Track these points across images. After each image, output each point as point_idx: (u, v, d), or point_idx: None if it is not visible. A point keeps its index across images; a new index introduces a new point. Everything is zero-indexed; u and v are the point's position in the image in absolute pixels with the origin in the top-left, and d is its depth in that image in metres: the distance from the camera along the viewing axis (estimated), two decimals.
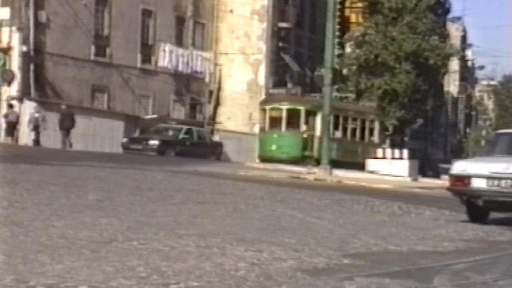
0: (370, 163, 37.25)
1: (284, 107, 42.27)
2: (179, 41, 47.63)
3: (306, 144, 41.51)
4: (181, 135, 39.00)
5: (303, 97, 44.21)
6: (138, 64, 45.27)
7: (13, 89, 38.94)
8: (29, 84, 39.16)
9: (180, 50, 47.31)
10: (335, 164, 38.98)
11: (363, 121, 46.04)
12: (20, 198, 11.60)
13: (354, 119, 45.34)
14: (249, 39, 49.63)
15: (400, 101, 50.74)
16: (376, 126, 46.96)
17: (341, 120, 43.33)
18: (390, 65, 49.87)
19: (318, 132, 40.75)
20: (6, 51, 39.22)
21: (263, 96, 47.86)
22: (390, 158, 36.88)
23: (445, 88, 72.34)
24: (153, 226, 9.70)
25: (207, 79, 49.27)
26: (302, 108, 42.07)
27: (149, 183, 16.39)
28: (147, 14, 45.74)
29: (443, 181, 38.13)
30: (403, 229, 11.89)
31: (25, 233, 8.36)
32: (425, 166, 56.35)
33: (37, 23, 39.53)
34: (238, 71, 49.18)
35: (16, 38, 39.04)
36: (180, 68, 47.22)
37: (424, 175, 41.97)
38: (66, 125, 36.29)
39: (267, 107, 43.05)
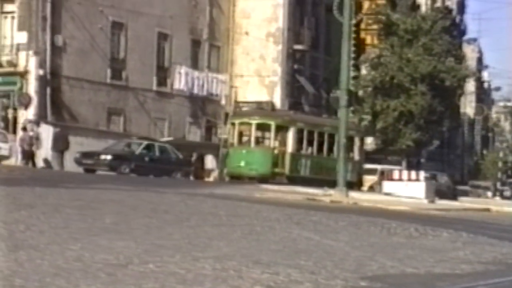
0: (386, 185, 37.15)
1: (254, 121, 39.89)
2: (194, 64, 47.82)
3: (277, 160, 39.38)
4: (139, 150, 36.88)
5: (274, 112, 42.24)
6: (154, 87, 45.45)
7: (30, 112, 39.17)
8: (46, 108, 39.38)
9: (196, 73, 47.49)
10: (307, 181, 38.05)
11: None
12: (37, 221, 11.62)
13: (331, 135, 42.62)
14: (265, 61, 49.76)
15: (416, 122, 50.64)
16: (356, 142, 44.47)
17: (316, 135, 41.54)
18: (406, 87, 49.83)
19: (290, 148, 39.62)
20: (23, 75, 39.50)
21: None
22: (406, 180, 36.75)
23: (462, 110, 72.21)
24: (169, 249, 9.68)
25: (222, 101, 49.40)
26: (272, 123, 39.74)
27: (165, 206, 16.39)
28: (163, 37, 45.97)
29: (460, 203, 38.00)
30: (420, 251, 11.81)
31: (41, 257, 8.37)
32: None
33: (54, 47, 39.81)
34: (254, 93, 49.27)
35: (33, 62, 39.33)
36: (196, 90, 47.37)
37: (441, 197, 41.77)
38: (60, 147, 36.19)
39: (236, 121, 40.78)
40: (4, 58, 40.17)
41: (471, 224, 14.91)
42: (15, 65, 39.74)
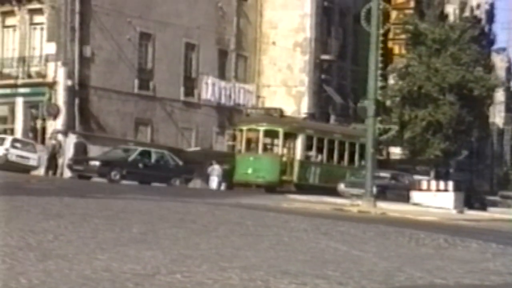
0: (414, 195, 36.94)
1: (262, 128, 39.26)
2: (221, 74, 47.93)
3: (285, 168, 38.69)
4: (132, 157, 36.03)
5: (282, 118, 41.17)
6: (181, 97, 45.60)
7: (58, 123, 39.43)
8: (74, 118, 39.63)
9: (223, 83, 47.60)
10: (316, 189, 37.49)
11: (352, 145, 43.09)
12: (65, 231, 11.66)
13: (342, 142, 42.53)
14: (292, 72, 49.76)
15: (445, 132, 50.32)
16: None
17: (326, 143, 40.93)
18: (434, 97, 49.56)
19: (298, 155, 39.12)
20: (52, 85, 39.80)
21: None
22: (435, 190, 36.52)
23: (491, 120, 71.65)
24: (196, 259, 9.67)
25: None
26: (280, 130, 39.20)
27: (192, 216, 16.39)
28: (190, 47, 46.13)
29: (490, 214, 37.68)
30: (449, 262, 11.71)
31: (70, 266, 8.39)
32: (471, 198, 55.73)
33: (82, 58, 40.10)
34: (281, 104, 49.21)
35: (61, 72, 39.62)
36: (223, 100, 47.48)
37: (470, 207, 41.42)
38: (79, 156, 36.40)
39: (244, 127, 40.08)
40: (33, 69, 40.52)
41: (500, 234, 14.77)
42: (44, 75, 40.05)
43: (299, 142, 39.33)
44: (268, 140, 39.70)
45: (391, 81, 51.98)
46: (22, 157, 36.98)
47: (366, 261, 11.11)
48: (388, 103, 49.82)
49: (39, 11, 40.92)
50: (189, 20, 45.51)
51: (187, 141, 45.50)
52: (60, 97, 39.75)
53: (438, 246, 14.56)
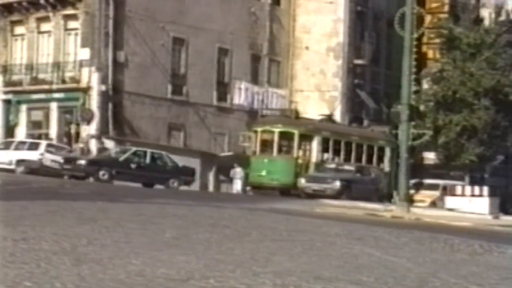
0: (449, 201, 36.69)
1: (277, 129, 38.78)
2: (254, 79, 47.97)
3: (300, 170, 37.90)
4: (124, 156, 35.22)
5: (298, 120, 40.58)
6: (214, 102, 45.70)
7: (92, 128, 39.68)
8: (108, 123, 39.86)
9: (256, 88, 47.64)
10: None
11: (370, 147, 42.45)
12: (99, 235, 11.71)
13: (359, 145, 41.82)
14: (325, 76, 49.67)
15: (480, 137, 49.92)
16: (387, 153, 43.04)
17: (343, 145, 40.33)
18: (468, 101, 49.20)
19: (314, 157, 38.55)
20: (86, 90, 40.08)
21: None
22: (469, 195, 36.23)
23: None
24: (229, 264, 9.66)
25: None
26: (296, 132, 38.64)
27: (225, 221, 16.40)
28: (223, 52, 46.22)
29: None
30: (484, 268, 11.59)
31: (104, 271, 8.41)
32: (507, 203, 55.22)
33: (116, 63, 40.34)
34: (314, 108, 49.15)
35: (95, 78, 39.89)
36: (256, 105, 47.48)
37: (506, 212, 40.99)
38: None
39: (259, 129, 39.54)
40: (68, 74, 40.85)
41: None
42: (78, 81, 40.35)
43: (315, 144, 38.89)
44: (283, 142, 39.14)
45: (425, 85, 51.69)
46: (56, 162, 37.27)
47: (400, 266, 11.03)
48: (422, 107, 49.51)
49: (73, 17, 41.25)
50: (222, 25, 45.60)
51: (220, 146, 45.57)
52: (94, 102, 40.01)
53: (473, 252, 14.42)
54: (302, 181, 35.66)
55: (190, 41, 44.24)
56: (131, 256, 9.65)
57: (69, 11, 41.20)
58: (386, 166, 42.91)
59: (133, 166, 34.71)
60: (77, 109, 40.64)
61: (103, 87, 39.86)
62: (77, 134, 40.41)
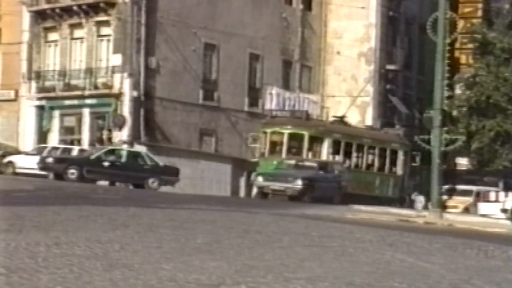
0: (482, 207, 36.40)
1: (286, 131, 38.01)
2: (286, 84, 47.94)
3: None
4: (96, 155, 34.07)
5: (308, 121, 39.70)
6: (246, 108, 45.72)
7: (124, 133, 39.87)
8: (139, 129, 40.02)
9: (287, 93, 47.58)
10: (345, 196, 35.50)
11: (383, 150, 41.77)
12: (131, 241, 11.73)
13: (371, 148, 41.07)
14: (356, 82, 49.51)
15: None
16: (400, 156, 42.25)
17: (354, 147, 39.60)
18: (502, 106, 48.80)
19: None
20: (118, 96, 40.29)
21: None
22: (503, 201, 35.92)
23: None
24: (261, 269, 9.63)
25: None
26: (305, 133, 37.86)
27: (257, 226, 16.37)
28: (254, 58, 46.25)
29: None
30: None
31: (135, 276, 8.42)
32: None
33: (148, 69, 40.51)
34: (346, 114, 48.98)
35: (127, 83, 40.08)
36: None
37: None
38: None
39: (268, 130, 38.73)
40: (100, 80, 41.08)
41: None
42: (110, 87, 40.57)
43: (325, 147, 38.14)
44: (293, 144, 38.29)
45: (457, 91, 51.34)
46: None
47: (433, 273, 10.93)
48: (454, 113, 49.19)
49: (106, 23, 41.50)
50: (254, 31, 45.65)
51: (252, 152, 45.56)
52: (126, 108, 40.20)
53: (508, 258, 14.26)
54: (259, 179, 32.08)
55: (221, 46, 44.32)
56: (162, 261, 9.66)
57: (102, 17, 41.47)
58: (398, 169, 42.23)
59: (105, 164, 33.42)
60: (109, 115, 40.86)
61: (135, 93, 40.04)
62: (109, 139, 40.61)
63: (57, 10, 42.41)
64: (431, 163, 30.75)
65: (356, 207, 33.30)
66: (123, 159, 34.26)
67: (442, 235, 18.74)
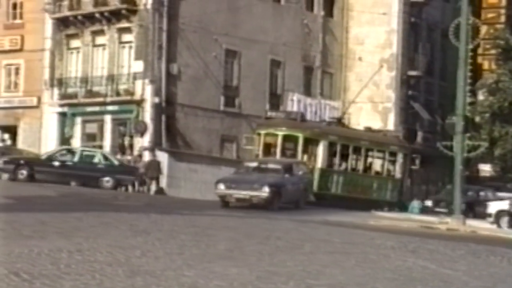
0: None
1: (280, 133, 36.92)
2: (307, 91, 47.86)
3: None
4: (47, 155, 34.19)
5: (303, 123, 38.65)
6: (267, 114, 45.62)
7: (146, 139, 39.95)
8: (161, 135, 40.09)
9: (309, 100, 47.49)
10: (338, 200, 35.58)
11: (381, 153, 40.88)
12: (152, 247, 11.75)
13: (369, 150, 40.12)
14: (378, 88, 49.35)
15: None
16: (399, 159, 41.26)
17: (351, 150, 38.64)
18: None
19: (319, 163, 36.85)
20: (139, 103, 40.37)
21: None
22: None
23: None
24: (282, 276, 9.60)
25: None
26: (300, 135, 36.80)
27: (278, 233, 16.34)
28: (275, 64, 46.23)
29: None
30: None
31: (157, 283, 8.42)
32: None
33: (169, 75, 40.57)
34: (367, 120, 48.87)
35: (148, 90, 40.16)
36: (309, 117, 47.30)
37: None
38: (152, 174, 36.70)
39: (262, 132, 37.57)
40: (122, 87, 41.19)
41: None
42: (131, 93, 40.68)
43: (321, 149, 37.12)
44: (287, 146, 37.21)
45: (480, 97, 51.03)
46: None
47: (456, 280, 10.85)
48: (477, 119, 48.87)
49: (127, 30, 41.62)
50: (275, 37, 45.63)
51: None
52: (147, 114, 40.26)
53: None
54: (220, 187, 28.04)
55: (242, 53, 44.32)
56: (184, 268, 9.65)
57: (124, 24, 41.58)
58: (397, 172, 41.43)
59: (56, 164, 33.49)
60: (131, 121, 40.94)
61: (157, 99, 40.10)
62: (131, 146, 40.70)
63: (79, 17, 42.58)
64: (454, 169, 30.56)
65: (379, 213, 33.17)
66: (75, 159, 34.34)
67: (465, 241, 18.62)
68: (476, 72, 49.15)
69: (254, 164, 30.80)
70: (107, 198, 27.73)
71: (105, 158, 35.35)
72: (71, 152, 35.54)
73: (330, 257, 12.49)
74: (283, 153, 36.78)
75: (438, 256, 14.34)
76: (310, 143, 37.31)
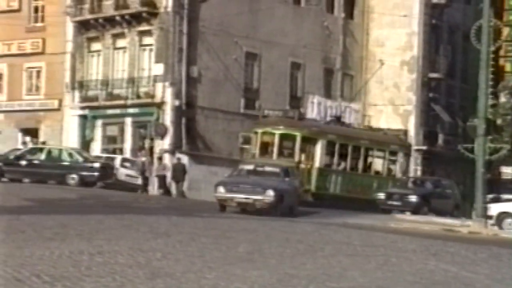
0: None
1: (278, 132, 36.24)
2: (327, 93, 47.77)
3: (302, 176, 34.05)
4: (14, 154, 35.26)
5: (301, 121, 38.06)
6: None
7: (166, 142, 40.03)
8: (181, 138, 40.15)
9: (329, 102, 47.38)
10: (337, 200, 35.29)
11: (381, 152, 40.49)
12: (173, 249, 11.75)
13: (369, 149, 39.68)
14: (399, 90, 49.18)
15: None
16: (399, 158, 40.98)
17: (350, 149, 38.17)
18: None
19: (317, 162, 36.31)
20: (160, 105, 40.47)
21: (413, 148, 47.01)
22: None
23: None
24: (302, 279, 9.57)
25: None
26: (298, 134, 36.17)
27: (298, 235, 16.31)
28: (296, 66, 46.20)
29: None
30: None
31: (178, 285, 8.41)
32: None
33: (189, 78, 40.64)
34: (387, 122, 48.72)
35: (169, 93, 40.25)
36: (329, 119, 47.20)
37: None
38: (178, 178, 36.83)
39: (259, 130, 36.83)
40: (142, 90, 41.29)
41: None
42: (152, 96, 40.77)
43: (319, 148, 36.61)
44: (284, 145, 36.64)
45: (502, 99, 50.75)
46: (130, 176, 37.75)
47: (478, 283, 10.78)
48: (499, 121, 48.58)
49: (148, 33, 41.73)
50: (295, 39, 45.58)
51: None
52: (168, 117, 40.34)
53: None
54: (220, 190, 26.27)
55: (263, 55, 44.32)
56: (204, 270, 9.64)
57: (144, 27, 41.69)
58: (397, 172, 41.02)
59: (23, 163, 34.43)
60: (151, 124, 41.04)
61: (177, 102, 40.17)
62: (151, 148, 40.80)
63: (100, 20, 42.74)
64: (475, 171, 30.39)
65: (399, 216, 33.03)
66: (43, 157, 35.01)
67: (487, 245, 18.50)
68: (498, 74, 48.79)
69: (251, 167, 28.87)
70: (127, 200, 27.81)
71: (70, 155, 35.67)
72: (40, 150, 36.34)
73: (350, 260, 12.44)
74: (280, 153, 36.20)
75: (460, 259, 14.25)
76: (308, 142, 36.75)
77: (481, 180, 30.14)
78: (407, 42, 49.29)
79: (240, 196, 25.44)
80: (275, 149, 36.12)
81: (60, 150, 36.61)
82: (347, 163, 38.50)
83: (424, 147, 48.16)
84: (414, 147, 47.47)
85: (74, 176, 34.17)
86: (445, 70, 50.69)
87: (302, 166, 35.57)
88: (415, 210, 34.47)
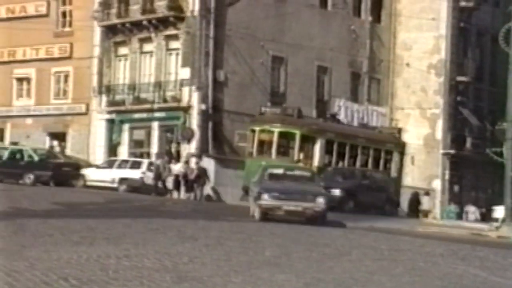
0: None
1: (276, 129, 35.49)
2: (354, 97, 47.63)
3: None
4: None
5: (300, 119, 37.10)
6: None
7: (192, 146, 40.10)
8: (208, 142, 40.20)
9: (356, 106, 47.25)
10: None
11: (377, 151, 40.02)
12: (199, 253, 11.75)
13: (365, 148, 39.14)
14: (426, 94, 48.93)
15: None
16: (395, 157, 40.67)
17: (348, 148, 37.68)
18: None
19: (316, 161, 35.67)
20: (186, 109, 40.55)
21: (441, 151, 46.75)
22: None
23: None
24: (329, 283, 9.53)
25: None
26: (297, 132, 35.46)
27: (325, 239, 16.26)
28: (322, 70, 46.10)
29: None
30: None
31: None
32: None
33: (216, 82, 40.68)
34: (415, 126, 48.49)
35: (195, 97, 40.32)
36: (356, 123, 47.07)
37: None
38: (200, 181, 36.86)
39: (257, 128, 36.07)
40: (169, 94, 41.40)
41: None
42: (178, 100, 40.86)
43: (318, 147, 36.14)
44: (283, 143, 35.98)
45: None
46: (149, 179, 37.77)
47: None
48: None
49: (174, 37, 41.85)
50: (322, 43, 45.49)
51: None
52: (194, 121, 40.40)
53: None
54: (265, 197, 22.89)
55: (289, 59, 44.27)
56: (231, 274, 9.63)
57: (171, 31, 41.81)
58: (393, 171, 40.57)
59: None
60: (178, 128, 41.13)
61: (203, 106, 40.23)
62: (178, 153, 40.88)
63: (127, 25, 42.92)
64: (504, 175, 30.18)
65: (426, 220, 32.83)
66: (5, 157, 36.33)
67: None
68: None
69: (280, 171, 26.00)
70: (155, 204, 27.89)
71: (29, 154, 36.65)
72: (5, 150, 37.46)
73: (377, 264, 12.38)
74: (278, 151, 35.42)
75: (489, 264, 14.14)
76: (307, 140, 36.11)
77: (510, 183, 29.92)
78: (434, 45, 49.03)
79: (290, 204, 22.91)
80: (274, 148, 35.43)
81: (21, 150, 37.49)
82: (344, 162, 37.96)
83: (452, 151, 47.86)
84: (441, 151, 47.21)
85: (30, 175, 35.21)
86: (473, 73, 50.36)
87: (301, 165, 33.99)
88: (339, 205, 30.49)
